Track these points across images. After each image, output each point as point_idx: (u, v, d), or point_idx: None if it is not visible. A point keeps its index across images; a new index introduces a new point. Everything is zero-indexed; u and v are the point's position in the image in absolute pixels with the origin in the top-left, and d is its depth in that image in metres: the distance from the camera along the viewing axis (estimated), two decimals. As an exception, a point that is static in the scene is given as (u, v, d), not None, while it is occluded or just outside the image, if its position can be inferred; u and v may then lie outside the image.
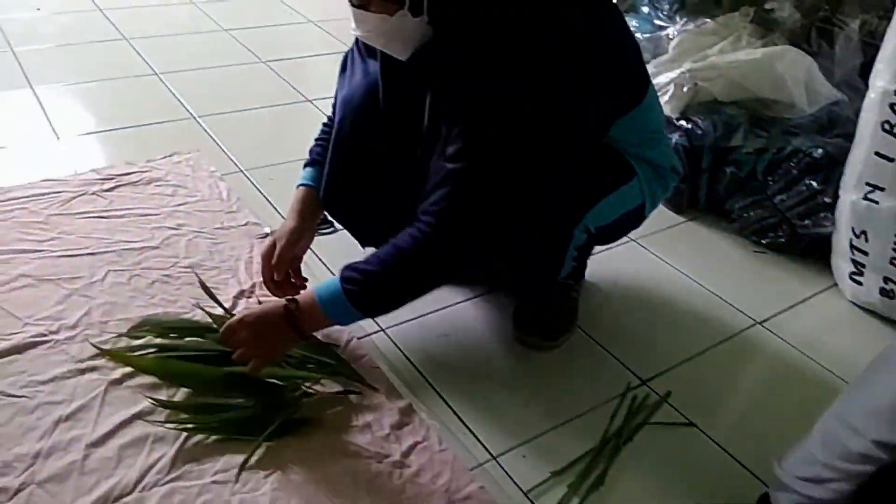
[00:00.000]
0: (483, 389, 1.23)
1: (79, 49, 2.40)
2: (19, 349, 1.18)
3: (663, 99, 1.71)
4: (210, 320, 1.25)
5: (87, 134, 1.88)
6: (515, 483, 1.07)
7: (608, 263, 1.54)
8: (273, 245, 1.24)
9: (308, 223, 1.27)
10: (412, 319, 1.35)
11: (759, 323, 1.46)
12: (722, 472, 1.13)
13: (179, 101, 2.10)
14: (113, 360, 1.17)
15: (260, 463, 1.04)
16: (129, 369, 1.16)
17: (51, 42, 2.42)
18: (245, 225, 1.57)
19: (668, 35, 1.89)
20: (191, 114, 2.03)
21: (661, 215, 1.76)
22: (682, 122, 1.72)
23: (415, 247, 1.04)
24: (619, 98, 1.15)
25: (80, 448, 1.03)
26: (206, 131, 1.95)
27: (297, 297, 1.10)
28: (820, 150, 1.57)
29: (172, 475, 1.01)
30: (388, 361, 1.27)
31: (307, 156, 1.34)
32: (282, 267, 1.23)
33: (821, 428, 0.84)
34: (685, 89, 1.68)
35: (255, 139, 1.95)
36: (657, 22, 2.02)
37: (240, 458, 1.04)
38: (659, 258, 1.63)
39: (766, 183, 1.65)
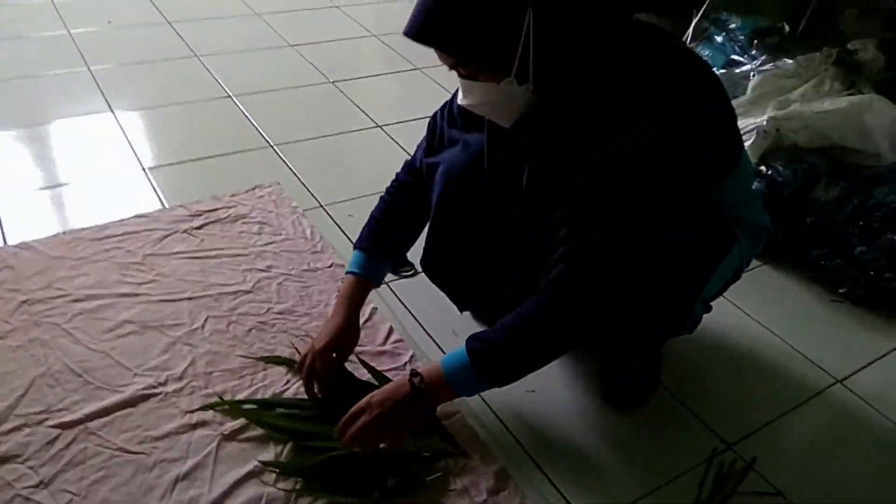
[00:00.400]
0: (571, 451, 1.27)
1: (152, 67, 2.46)
2: (133, 402, 1.24)
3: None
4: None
5: (170, 164, 1.94)
6: (611, 554, 1.11)
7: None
8: (323, 349, 1.22)
9: (354, 319, 1.28)
10: (499, 373, 1.38)
11: (840, 381, 1.47)
12: None
13: (255, 126, 2.15)
14: (228, 415, 1.23)
15: (370, 528, 1.10)
16: (238, 423, 1.22)
17: (125, 59, 2.48)
18: (330, 266, 1.62)
19: (746, 74, 1.87)
20: (267, 141, 2.08)
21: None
22: (762, 168, 1.72)
23: (540, 314, 1.05)
24: (724, 164, 1.15)
25: (201, 509, 1.09)
26: (283, 161, 2.00)
27: (420, 370, 1.11)
28: (905, 205, 1.56)
29: (289, 539, 1.07)
30: (479, 419, 1.31)
31: (381, 193, 1.37)
32: (326, 376, 1.23)
33: None
34: (766, 136, 1.67)
35: (332, 169, 1.99)
36: (733, 56, 2.00)
37: (352, 522, 1.10)
38: (734, 304, 1.64)
39: (847, 233, 1.65)
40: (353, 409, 1.12)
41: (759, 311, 1.63)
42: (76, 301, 1.44)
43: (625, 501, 1.19)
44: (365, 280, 1.30)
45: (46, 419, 1.20)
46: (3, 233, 1.62)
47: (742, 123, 1.73)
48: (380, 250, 1.32)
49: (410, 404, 1.09)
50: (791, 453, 1.32)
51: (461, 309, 1.39)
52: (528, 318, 1.06)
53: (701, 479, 1.23)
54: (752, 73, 1.88)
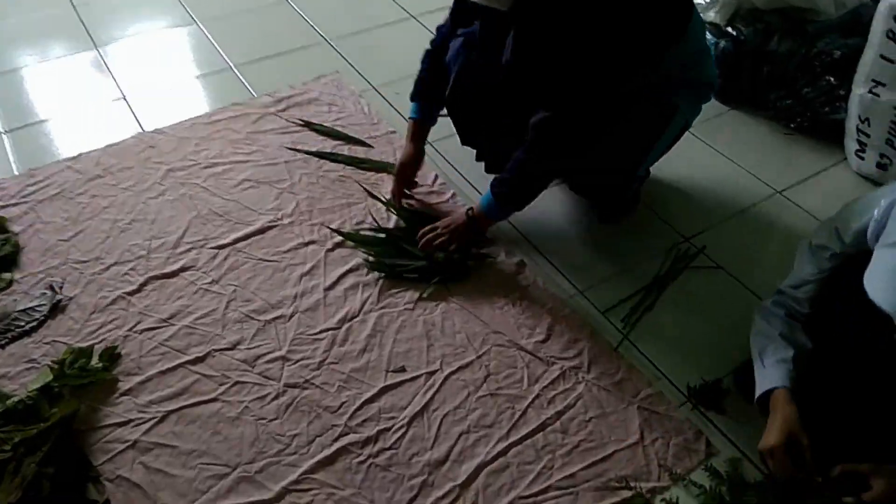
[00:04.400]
0: (572, 248, 1.77)
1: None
2: (262, 231, 1.78)
3: (714, 9, 2.10)
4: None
5: (252, 61, 2.38)
6: (595, 307, 1.63)
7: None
8: (402, 169, 1.81)
9: (420, 147, 1.83)
10: (518, 200, 1.87)
11: (779, 192, 1.93)
12: (742, 301, 1.64)
13: (310, 24, 2.57)
14: (343, 238, 1.77)
15: (431, 297, 1.64)
16: (336, 240, 1.75)
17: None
18: (386, 134, 2.10)
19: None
20: (323, 37, 2.51)
21: (709, 106, 2.19)
22: (729, 30, 2.11)
23: (528, 157, 1.55)
24: (669, 32, 1.48)
25: (320, 291, 1.64)
26: (338, 53, 2.44)
27: (471, 208, 1.69)
28: (838, 52, 1.95)
29: (380, 305, 1.61)
30: (504, 232, 1.81)
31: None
32: (408, 184, 1.84)
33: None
34: (731, 2, 2.05)
35: (379, 58, 2.42)
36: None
37: (418, 294, 1.64)
38: (705, 143, 2.09)
39: (796, 78, 2.05)
40: (427, 229, 1.71)
41: (724, 145, 2.08)
42: (206, 167, 1.96)
43: (606, 275, 1.71)
44: (422, 121, 1.82)
45: (206, 244, 1.75)
46: (139, 123, 2.13)
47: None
48: (429, 98, 1.80)
49: (466, 228, 1.69)
50: (734, 243, 1.80)
51: (463, 143, 1.86)
52: (522, 161, 1.56)
53: (662, 260, 1.74)
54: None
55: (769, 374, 1.26)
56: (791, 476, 1.17)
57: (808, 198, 1.92)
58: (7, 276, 1.65)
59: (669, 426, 1.41)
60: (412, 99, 1.83)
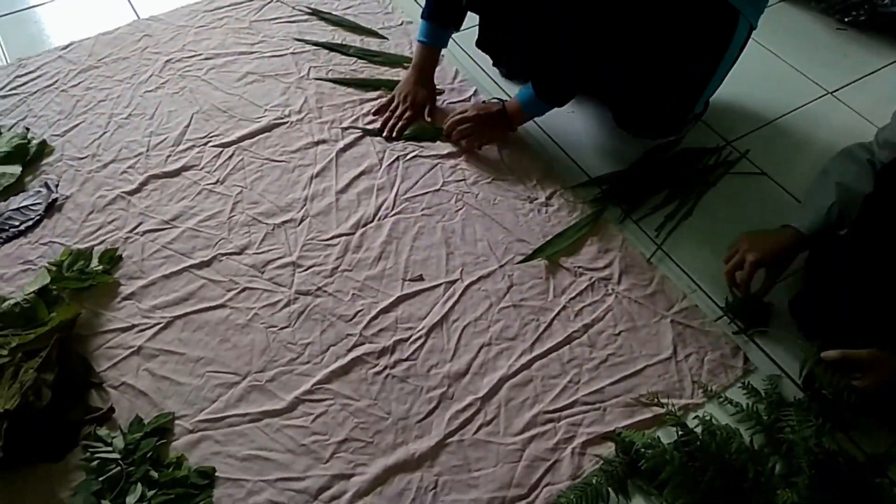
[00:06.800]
0: (602, 152, 1.64)
1: None
2: (269, 128, 1.65)
3: None
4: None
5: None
6: (628, 214, 1.52)
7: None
8: (415, 108, 1.66)
9: (428, 82, 1.69)
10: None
11: (830, 93, 1.77)
12: (787, 209, 1.50)
13: None
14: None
15: (450, 202, 1.53)
16: (348, 140, 1.63)
17: None
18: (401, 25, 1.93)
19: None
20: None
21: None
22: None
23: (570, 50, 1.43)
24: None
25: (332, 194, 1.53)
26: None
27: (504, 101, 1.57)
28: (909, -67, 1.74)
29: (396, 210, 1.50)
30: (531, 135, 1.67)
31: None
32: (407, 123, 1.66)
33: None
34: None
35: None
36: None
37: (439, 199, 1.52)
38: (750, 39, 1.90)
39: (856, -36, 1.84)
40: (457, 116, 1.59)
41: (769, 41, 1.89)
42: (207, 59, 1.81)
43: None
44: (432, 47, 1.66)
45: (209, 141, 1.63)
46: (134, 10, 1.97)
47: None
48: (444, 19, 1.62)
49: (494, 119, 1.57)
50: (779, 148, 1.66)
51: (495, 65, 1.80)
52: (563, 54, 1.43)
53: (703, 164, 1.60)
54: None
55: (798, 215, 1.31)
56: (732, 285, 1.34)
57: (861, 99, 1.76)
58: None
59: (705, 341, 1.32)
60: (424, 16, 1.63)
